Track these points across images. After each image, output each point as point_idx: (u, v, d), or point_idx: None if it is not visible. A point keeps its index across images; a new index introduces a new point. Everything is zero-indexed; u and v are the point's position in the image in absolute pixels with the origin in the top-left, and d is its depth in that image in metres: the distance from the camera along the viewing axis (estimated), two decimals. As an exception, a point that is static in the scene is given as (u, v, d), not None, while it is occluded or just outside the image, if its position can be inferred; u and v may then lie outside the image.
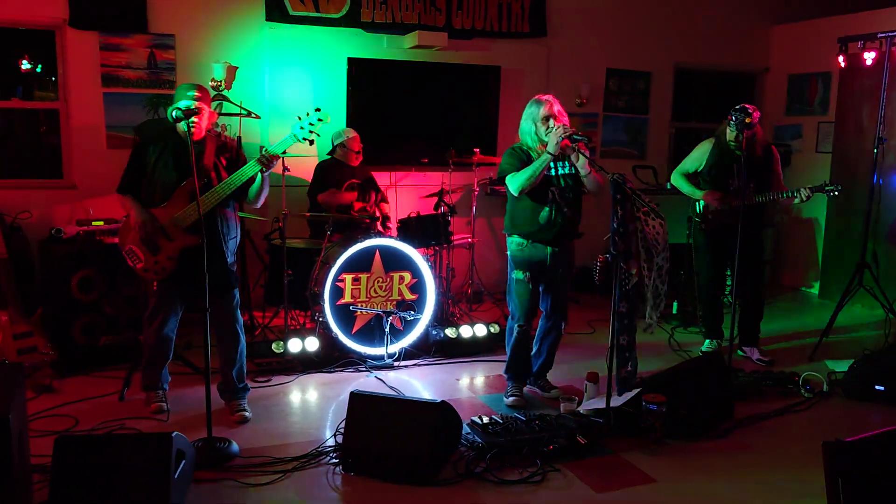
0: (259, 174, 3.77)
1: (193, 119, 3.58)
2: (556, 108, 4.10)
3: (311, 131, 3.73)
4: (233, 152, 3.99)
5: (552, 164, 4.07)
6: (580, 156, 4.02)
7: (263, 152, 3.74)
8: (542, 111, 4.08)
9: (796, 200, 4.93)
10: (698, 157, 5.20)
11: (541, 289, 4.30)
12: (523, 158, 4.14)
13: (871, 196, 5.49)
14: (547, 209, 4.11)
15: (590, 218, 4.66)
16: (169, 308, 3.98)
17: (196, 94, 3.73)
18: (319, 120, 3.73)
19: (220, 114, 5.57)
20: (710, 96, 8.26)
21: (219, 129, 5.86)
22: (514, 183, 4.09)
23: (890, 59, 5.43)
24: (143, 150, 3.87)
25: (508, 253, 4.31)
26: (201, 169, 3.76)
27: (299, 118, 3.74)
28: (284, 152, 3.84)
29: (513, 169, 4.13)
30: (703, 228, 5.17)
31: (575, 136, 3.95)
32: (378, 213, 5.73)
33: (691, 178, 5.24)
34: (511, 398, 4.34)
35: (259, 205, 3.99)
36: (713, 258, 5.24)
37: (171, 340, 4.07)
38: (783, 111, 7.88)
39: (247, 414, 4.05)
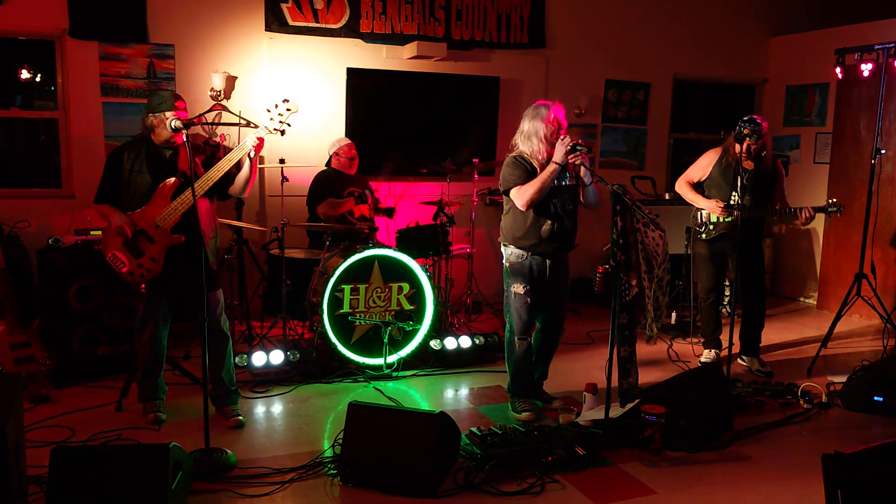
0: (248, 160, 3.89)
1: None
2: (560, 114, 4.03)
3: (280, 122, 3.84)
4: (207, 152, 4.06)
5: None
6: (581, 165, 3.99)
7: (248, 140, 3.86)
8: (544, 118, 4.02)
9: (796, 221, 4.97)
10: (704, 165, 5.19)
11: (539, 301, 4.24)
12: (528, 169, 4.04)
13: (869, 206, 5.50)
14: (549, 222, 4.07)
15: (588, 229, 4.67)
16: (158, 312, 4.00)
17: (182, 104, 3.90)
18: (288, 110, 3.86)
19: (220, 124, 5.59)
20: (709, 107, 8.29)
21: (217, 139, 5.87)
22: (522, 197, 3.98)
23: (887, 70, 5.46)
24: (118, 159, 3.93)
25: (506, 263, 4.24)
26: (180, 171, 3.89)
27: (268, 110, 3.85)
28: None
29: (518, 181, 4.02)
30: (703, 238, 5.18)
31: (577, 147, 3.91)
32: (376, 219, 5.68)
33: (695, 187, 5.24)
34: (525, 413, 4.24)
35: (245, 194, 4.06)
36: (712, 268, 5.24)
37: (163, 346, 4.08)
38: (781, 122, 7.90)
39: (241, 418, 4.06)
